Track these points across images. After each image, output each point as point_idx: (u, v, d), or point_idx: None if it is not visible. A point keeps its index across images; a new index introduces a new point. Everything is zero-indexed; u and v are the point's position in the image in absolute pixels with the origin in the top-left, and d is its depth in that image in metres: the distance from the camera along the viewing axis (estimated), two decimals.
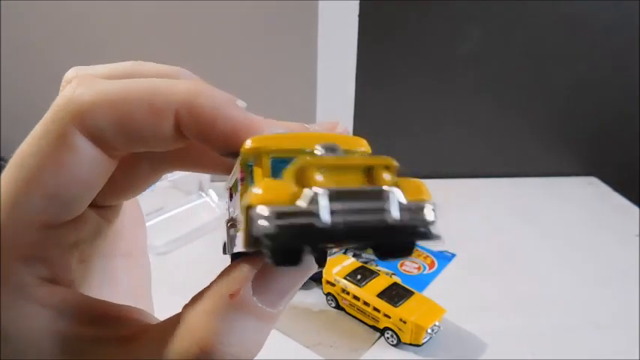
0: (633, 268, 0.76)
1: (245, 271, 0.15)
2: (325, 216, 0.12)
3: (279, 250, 0.12)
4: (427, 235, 0.13)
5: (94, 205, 0.19)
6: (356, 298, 0.62)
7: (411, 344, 0.58)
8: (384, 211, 0.13)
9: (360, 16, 0.90)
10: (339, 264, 0.66)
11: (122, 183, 0.20)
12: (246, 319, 0.15)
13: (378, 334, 0.61)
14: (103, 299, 0.18)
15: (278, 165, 0.14)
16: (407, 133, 1.03)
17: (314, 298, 0.67)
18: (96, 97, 0.16)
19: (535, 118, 1.05)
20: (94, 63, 0.19)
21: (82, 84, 0.16)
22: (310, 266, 0.16)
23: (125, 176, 0.19)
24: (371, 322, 0.61)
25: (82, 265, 0.20)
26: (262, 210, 0.12)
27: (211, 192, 0.89)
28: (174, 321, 0.16)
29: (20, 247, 0.16)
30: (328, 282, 0.65)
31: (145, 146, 0.17)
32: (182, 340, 0.15)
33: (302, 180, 0.13)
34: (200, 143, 0.16)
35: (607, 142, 1.07)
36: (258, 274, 0.15)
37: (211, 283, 0.16)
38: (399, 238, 0.13)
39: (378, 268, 0.73)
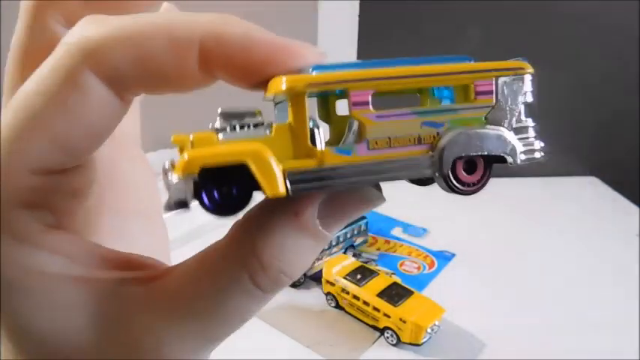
0: (633, 268, 0.76)
1: (312, 197, 0.16)
2: None
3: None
4: None
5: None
6: (356, 297, 0.62)
7: (410, 344, 0.58)
8: None
9: (360, 16, 0.90)
10: (339, 263, 0.66)
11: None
12: (305, 239, 0.16)
13: (378, 333, 0.61)
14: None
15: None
16: None
17: (314, 297, 0.67)
18: (110, 33, 0.14)
19: (535, 117, 1.04)
20: None
21: (94, 21, 0.14)
22: (373, 199, 0.17)
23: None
24: (371, 322, 0.61)
25: (93, 220, 0.19)
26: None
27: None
28: (214, 248, 0.16)
29: (22, 193, 0.14)
30: (328, 282, 0.65)
31: (165, 86, 0.15)
32: (235, 256, 0.15)
33: None
34: (229, 77, 0.15)
35: (607, 142, 1.07)
36: (324, 201, 0.16)
37: (271, 207, 0.16)
38: None
39: (378, 267, 0.73)
